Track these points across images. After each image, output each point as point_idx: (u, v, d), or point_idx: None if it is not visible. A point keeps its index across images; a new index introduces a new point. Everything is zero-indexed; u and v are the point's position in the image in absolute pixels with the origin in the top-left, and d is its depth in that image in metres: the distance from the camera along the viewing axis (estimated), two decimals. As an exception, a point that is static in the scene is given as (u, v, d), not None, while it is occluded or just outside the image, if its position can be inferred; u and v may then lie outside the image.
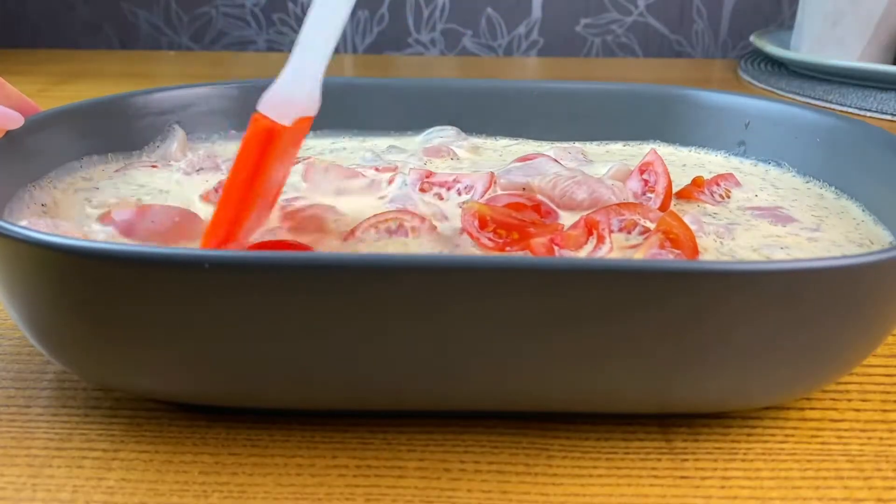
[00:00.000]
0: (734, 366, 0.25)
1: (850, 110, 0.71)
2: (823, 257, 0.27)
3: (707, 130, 0.43)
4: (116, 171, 0.39)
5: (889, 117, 0.69)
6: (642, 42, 1.00)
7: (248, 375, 0.26)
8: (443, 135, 0.45)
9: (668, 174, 0.37)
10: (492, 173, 0.37)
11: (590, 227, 0.32)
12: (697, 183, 0.38)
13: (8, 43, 1.01)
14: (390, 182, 0.38)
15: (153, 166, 0.39)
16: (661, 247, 0.30)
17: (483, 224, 0.32)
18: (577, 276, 0.23)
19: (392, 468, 0.27)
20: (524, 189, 0.36)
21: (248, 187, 0.29)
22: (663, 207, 0.35)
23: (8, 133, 0.33)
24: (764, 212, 0.36)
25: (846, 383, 0.31)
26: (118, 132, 0.40)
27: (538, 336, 0.24)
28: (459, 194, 0.37)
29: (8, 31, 1.02)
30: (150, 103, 0.41)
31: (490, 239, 0.32)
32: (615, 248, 0.31)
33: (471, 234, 0.32)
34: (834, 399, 0.30)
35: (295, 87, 0.30)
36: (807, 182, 0.39)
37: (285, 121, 0.29)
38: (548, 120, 0.45)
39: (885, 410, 0.30)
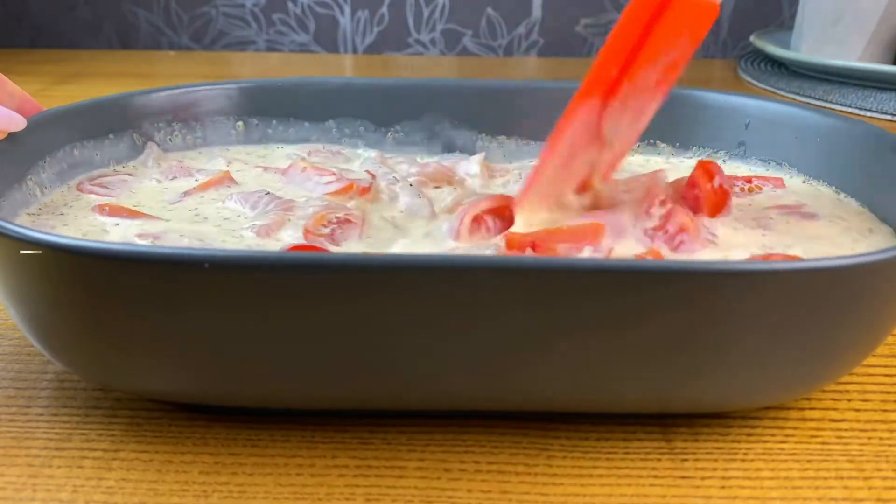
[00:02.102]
0: (734, 366, 0.25)
1: (850, 110, 0.71)
2: (823, 257, 0.27)
3: (707, 130, 0.43)
4: (91, 181, 0.38)
5: (889, 117, 0.69)
6: (642, 42, 1.00)
7: (248, 375, 0.26)
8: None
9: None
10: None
11: None
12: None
13: (8, 43, 1.01)
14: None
15: (129, 175, 0.39)
16: None
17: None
18: (577, 277, 0.23)
19: (392, 468, 0.27)
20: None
21: (631, 52, 0.24)
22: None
23: (9, 133, 0.33)
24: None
25: (846, 383, 0.31)
26: (118, 132, 0.40)
27: (538, 337, 0.24)
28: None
29: (8, 31, 1.01)
30: (150, 103, 0.41)
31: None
32: None
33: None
34: (834, 399, 0.30)
35: None
36: (804, 182, 0.39)
37: None
38: (547, 120, 0.45)
39: (885, 410, 0.30)
